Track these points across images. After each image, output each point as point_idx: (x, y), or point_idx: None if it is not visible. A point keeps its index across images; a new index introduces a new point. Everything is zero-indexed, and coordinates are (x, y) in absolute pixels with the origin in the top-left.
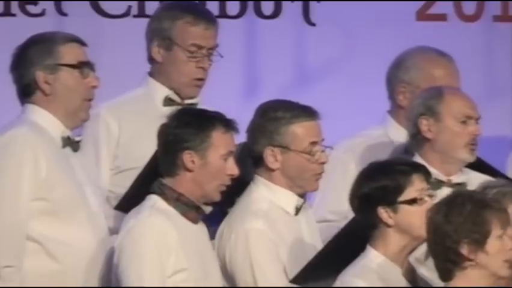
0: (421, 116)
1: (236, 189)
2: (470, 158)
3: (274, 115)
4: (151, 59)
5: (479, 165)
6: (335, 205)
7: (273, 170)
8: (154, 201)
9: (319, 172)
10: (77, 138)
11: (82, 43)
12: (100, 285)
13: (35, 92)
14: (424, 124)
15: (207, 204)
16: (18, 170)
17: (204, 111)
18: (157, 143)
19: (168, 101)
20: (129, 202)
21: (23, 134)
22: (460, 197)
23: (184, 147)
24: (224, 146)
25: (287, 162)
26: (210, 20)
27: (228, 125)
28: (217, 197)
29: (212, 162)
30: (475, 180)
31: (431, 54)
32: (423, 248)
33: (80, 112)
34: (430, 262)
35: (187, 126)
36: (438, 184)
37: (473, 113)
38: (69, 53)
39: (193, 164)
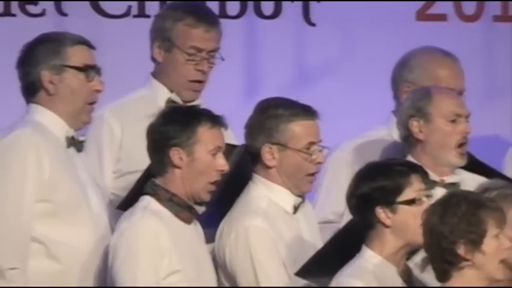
0: (411, 118)
1: (237, 190)
2: (460, 163)
3: (275, 112)
4: (153, 59)
5: (474, 165)
6: (338, 206)
7: (269, 168)
8: (147, 202)
9: (313, 172)
10: (81, 138)
11: (90, 46)
12: (99, 286)
13: (39, 90)
14: (415, 126)
15: (200, 204)
16: (22, 172)
17: (190, 108)
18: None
19: (171, 103)
20: (131, 203)
21: (27, 134)
22: (455, 198)
23: (171, 144)
24: (211, 142)
25: (284, 160)
26: (211, 22)
27: (215, 120)
28: (206, 197)
29: (199, 158)
30: (468, 180)
31: (435, 54)
32: (422, 254)
33: (82, 115)
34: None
35: (173, 124)
36: (432, 184)
37: (462, 110)
38: (76, 55)
39: (181, 161)
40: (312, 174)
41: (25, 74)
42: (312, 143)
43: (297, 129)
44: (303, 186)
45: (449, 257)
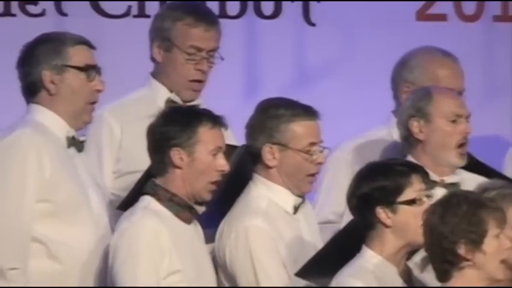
0: (411, 118)
1: (238, 190)
2: (460, 163)
3: (276, 112)
4: (152, 59)
5: (474, 165)
6: (338, 206)
7: (270, 168)
8: (147, 202)
9: (314, 172)
10: (81, 138)
11: (90, 46)
12: (99, 286)
13: (40, 90)
14: (415, 126)
15: (200, 204)
16: (22, 172)
17: (190, 108)
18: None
19: (170, 103)
20: (132, 203)
21: (28, 134)
22: (455, 198)
23: (171, 144)
24: (212, 142)
25: (285, 160)
26: (211, 21)
27: (215, 120)
28: (207, 196)
29: (200, 159)
30: (468, 180)
31: (435, 54)
32: (422, 253)
33: (83, 115)
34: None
35: (174, 124)
36: (432, 184)
37: (462, 111)
38: (77, 55)
39: (182, 161)
40: (313, 175)
41: (26, 74)
42: (312, 144)
43: (298, 129)
44: (304, 186)
45: (450, 257)
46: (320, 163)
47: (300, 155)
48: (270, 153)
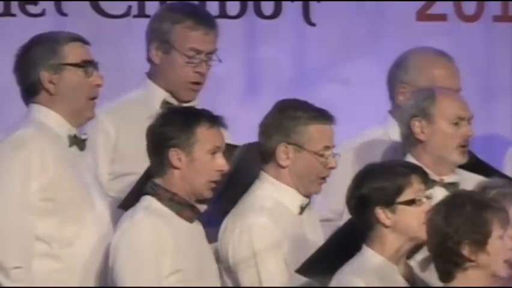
0: (414, 118)
1: (239, 189)
2: (462, 160)
3: (293, 114)
4: (149, 60)
5: (475, 163)
6: (337, 204)
7: (282, 167)
8: (148, 202)
9: (325, 176)
10: (83, 137)
11: (84, 42)
12: (102, 286)
13: (40, 92)
14: (417, 126)
15: (201, 202)
16: (26, 171)
17: (188, 109)
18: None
19: (166, 104)
20: (133, 202)
21: (31, 134)
22: (459, 198)
23: (169, 145)
24: (210, 142)
25: (298, 161)
26: (210, 24)
27: (214, 120)
28: (207, 194)
29: (199, 158)
30: (468, 180)
31: (430, 54)
32: (424, 253)
33: (85, 111)
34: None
35: (172, 125)
36: (431, 183)
37: (465, 113)
38: (73, 53)
39: (180, 162)
40: (323, 178)
41: (23, 77)
42: (327, 147)
43: (315, 132)
44: (313, 187)
45: (454, 258)
46: (331, 167)
47: (315, 158)
48: (284, 153)
